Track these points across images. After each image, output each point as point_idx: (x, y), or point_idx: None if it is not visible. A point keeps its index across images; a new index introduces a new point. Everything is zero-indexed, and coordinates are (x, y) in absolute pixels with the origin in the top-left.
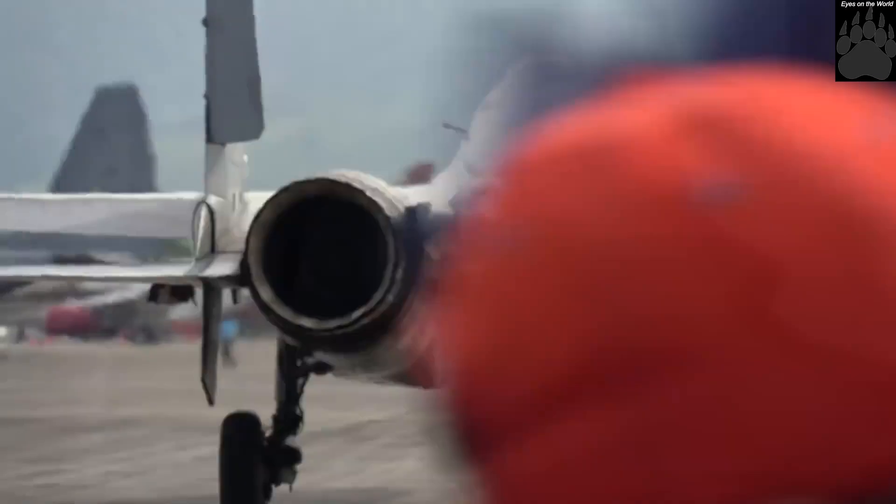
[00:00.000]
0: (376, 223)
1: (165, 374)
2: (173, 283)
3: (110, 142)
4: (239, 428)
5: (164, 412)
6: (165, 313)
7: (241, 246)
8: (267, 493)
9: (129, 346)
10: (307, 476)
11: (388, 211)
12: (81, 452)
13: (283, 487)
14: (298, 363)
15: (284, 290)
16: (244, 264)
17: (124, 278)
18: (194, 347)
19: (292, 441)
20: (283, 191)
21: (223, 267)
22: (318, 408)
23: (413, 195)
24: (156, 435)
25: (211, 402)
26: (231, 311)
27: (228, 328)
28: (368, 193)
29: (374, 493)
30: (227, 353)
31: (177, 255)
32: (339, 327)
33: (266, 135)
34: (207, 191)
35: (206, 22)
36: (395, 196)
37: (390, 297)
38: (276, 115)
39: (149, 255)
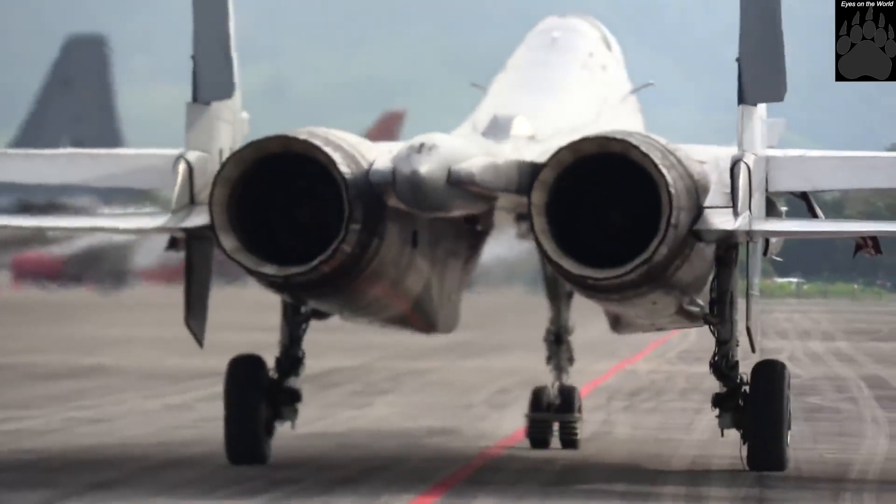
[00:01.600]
0: (332, 178)
1: (132, 321)
2: (153, 233)
3: (77, 91)
4: (244, 369)
5: (131, 361)
6: (132, 260)
7: None
8: (269, 430)
9: (96, 293)
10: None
11: (343, 166)
12: (47, 399)
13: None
14: (303, 310)
15: (249, 240)
16: (209, 214)
17: (106, 228)
18: (161, 294)
19: (294, 382)
20: (246, 147)
21: (200, 218)
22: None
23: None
24: (122, 383)
25: (200, 344)
26: None
27: None
28: (326, 149)
29: (342, 437)
30: None
31: (142, 202)
32: (299, 274)
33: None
34: (187, 146)
35: None
36: (359, 151)
37: (346, 248)
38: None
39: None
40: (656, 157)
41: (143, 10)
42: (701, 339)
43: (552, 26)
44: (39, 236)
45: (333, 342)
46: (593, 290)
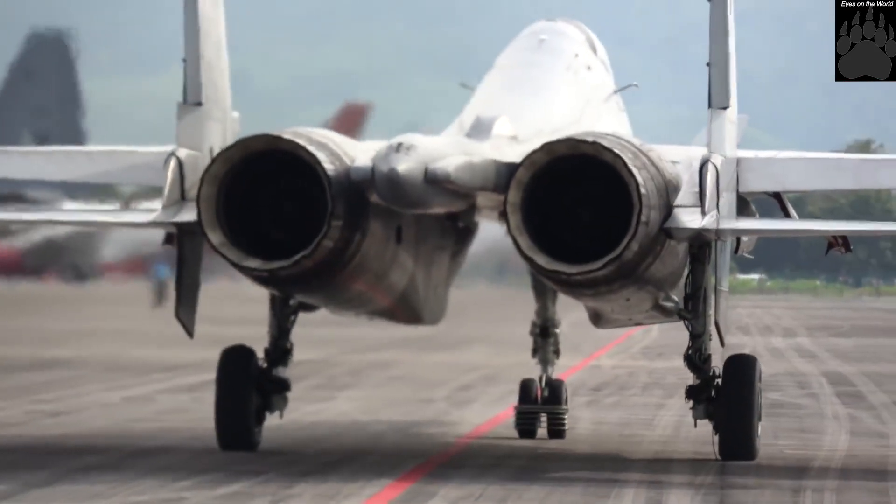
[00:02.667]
0: (317, 176)
1: (95, 314)
2: (144, 228)
3: (40, 85)
4: (235, 359)
5: (93, 353)
6: (95, 252)
7: None
8: (259, 418)
9: (58, 285)
10: None
11: (327, 164)
12: (9, 392)
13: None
14: (291, 303)
15: (235, 235)
16: (196, 210)
17: (98, 223)
18: (124, 288)
19: (282, 372)
20: (233, 146)
21: (190, 214)
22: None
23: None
24: (84, 375)
25: (190, 335)
26: (167, 254)
27: (161, 270)
28: (310, 148)
29: (304, 431)
30: (159, 292)
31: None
32: (282, 268)
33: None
34: (178, 144)
35: None
36: (343, 150)
37: (328, 243)
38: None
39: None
40: (627, 158)
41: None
42: (663, 335)
43: (540, 29)
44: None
45: (295, 336)
46: (567, 284)
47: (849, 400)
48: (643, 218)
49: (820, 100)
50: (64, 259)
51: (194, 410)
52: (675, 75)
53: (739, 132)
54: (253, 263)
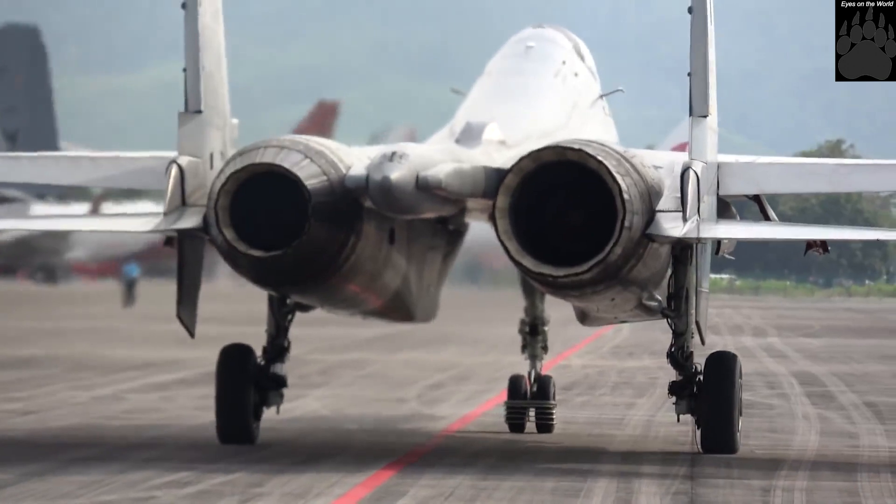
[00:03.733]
0: (299, 191)
1: (65, 313)
2: (146, 235)
3: (10, 81)
4: (234, 356)
5: (64, 352)
6: (65, 252)
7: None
8: (257, 414)
9: (29, 285)
10: (204, 415)
11: (306, 181)
12: None
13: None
14: (288, 302)
15: (242, 234)
16: (213, 215)
17: (100, 230)
18: (94, 287)
19: (280, 369)
20: (241, 170)
21: (192, 220)
22: (210, 348)
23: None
24: (54, 374)
25: (191, 335)
26: (135, 253)
27: (131, 269)
28: (294, 170)
29: (273, 432)
30: (129, 292)
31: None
32: (275, 258)
33: (164, 71)
34: (180, 151)
35: (184, 5)
36: (338, 157)
37: (309, 241)
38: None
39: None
40: (611, 165)
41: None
42: (634, 334)
43: (528, 36)
44: None
45: (261, 334)
46: (554, 286)
47: (819, 400)
48: (626, 223)
49: (788, 100)
50: (35, 259)
51: (164, 409)
52: (645, 77)
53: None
54: (255, 252)
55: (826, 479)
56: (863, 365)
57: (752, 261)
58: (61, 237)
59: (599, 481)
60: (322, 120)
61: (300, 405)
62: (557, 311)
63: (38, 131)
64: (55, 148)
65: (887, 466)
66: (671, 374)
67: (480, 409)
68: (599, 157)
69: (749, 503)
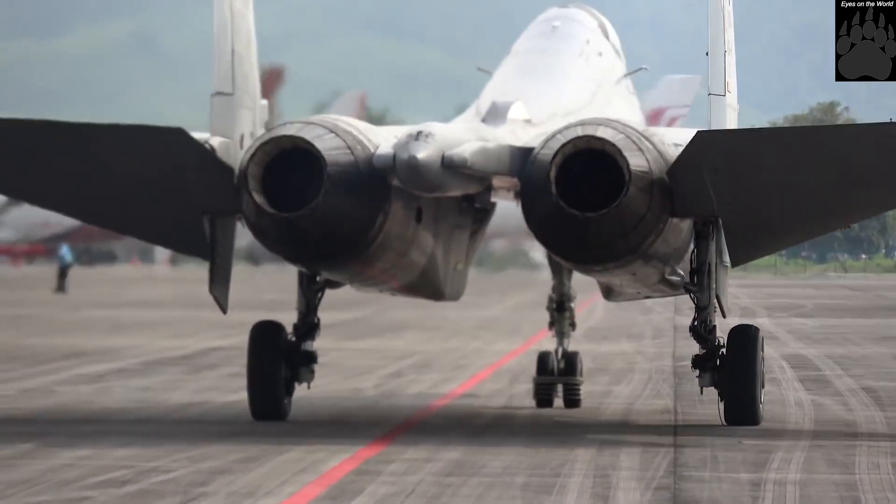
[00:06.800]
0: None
1: None
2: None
3: None
4: (266, 333)
5: None
6: None
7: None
8: (289, 390)
9: None
10: (142, 408)
11: (325, 151)
12: None
13: None
14: (318, 279)
15: (272, 202)
16: (244, 182)
17: None
18: (23, 272)
19: (310, 346)
20: (268, 143)
21: None
22: (155, 334)
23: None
24: None
25: (224, 311)
26: (68, 231)
27: (65, 254)
28: (315, 142)
29: (216, 426)
30: (62, 278)
31: None
32: (299, 217)
33: (96, 37)
34: (212, 132)
35: None
36: (366, 136)
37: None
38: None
39: None
40: (629, 144)
41: None
42: (609, 314)
43: (553, 16)
44: None
45: (209, 319)
46: (577, 261)
47: (813, 385)
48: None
49: (776, 58)
50: None
51: (99, 402)
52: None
53: (691, 92)
54: (282, 214)
55: (821, 473)
56: (860, 347)
57: None
58: None
59: (574, 476)
60: (266, 85)
61: (245, 398)
62: (525, 293)
63: None
64: None
65: (888, 457)
66: (650, 359)
67: (444, 399)
68: (617, 140)
69: (737, 499)
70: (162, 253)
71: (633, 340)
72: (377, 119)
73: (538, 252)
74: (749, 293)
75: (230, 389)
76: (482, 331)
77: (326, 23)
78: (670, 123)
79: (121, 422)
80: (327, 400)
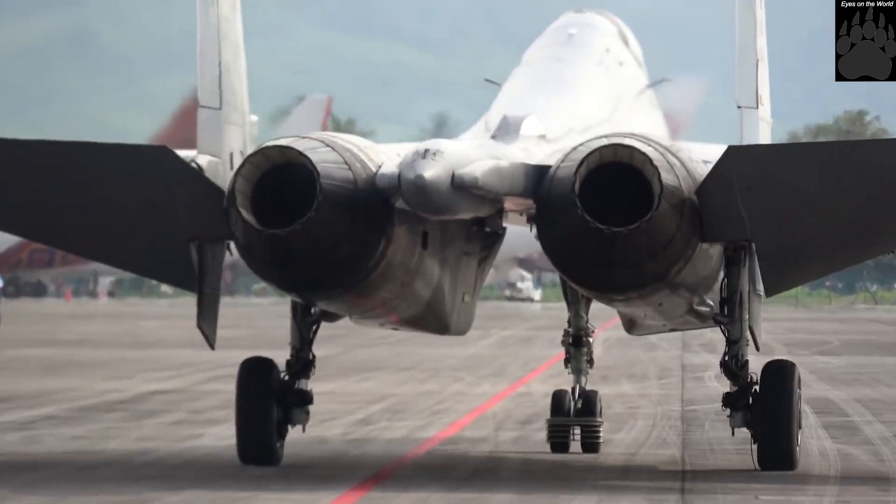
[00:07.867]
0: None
1: None
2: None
3: None
4: (255, 370)
5: None
6: None
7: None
8: (282, 433)
9: None
10: (77, 458)
11: (318, 163)
12: None
13: None
14: (313, 311)
15: (262, 220)
16: (231, 198)
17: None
18: None
19: (304, 384)
20: (257, 153)
21: None
22: (82, 377)
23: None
24: None
25: (211, 346)
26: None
27: None
28: (307, 153)
29: (162, 482)
30: None
31: None
32: (291, 234)
33: (25, 31)
34: (199, 150)
35: None
36: (367, 155)
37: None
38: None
39: None
40: (658, 157)
41: None
42: (608, 353)
43: (569, 22)
44: None
45: (146, 359)
46: (598, 289)
47: (839, 433)
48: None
49: (795, 62)
50: None
51: (28, 454)
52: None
53: (694, 97)
54: (272, 230)
55: None
56: (893, 389)
57: None
58: None
59: None
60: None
61: (194, 447)
62: (515, 328)
63: None
64: None
65: None
66: (654, 404)
67: (421, 446)
68: (644, 152)
69: None
70: (101, 285)
71: (636, 381)
72: (345, 128)
73: (527, 282)
74: (767, 328)
75: (175, 438)
76: (463, 371)
77: (285, 16)
78: (674, 131)
79: (55, 475)
80: (287, 450)
